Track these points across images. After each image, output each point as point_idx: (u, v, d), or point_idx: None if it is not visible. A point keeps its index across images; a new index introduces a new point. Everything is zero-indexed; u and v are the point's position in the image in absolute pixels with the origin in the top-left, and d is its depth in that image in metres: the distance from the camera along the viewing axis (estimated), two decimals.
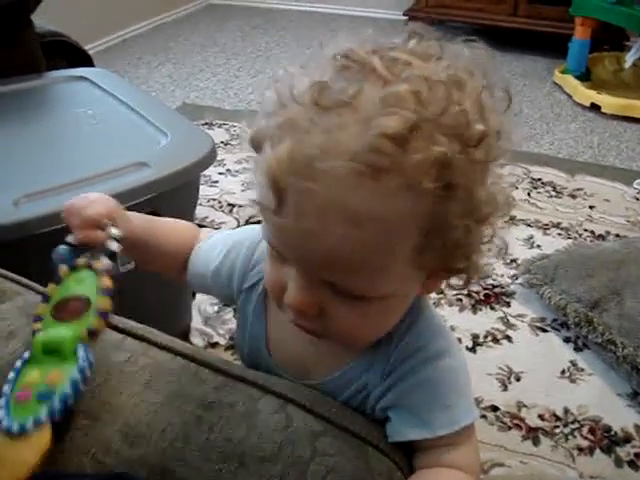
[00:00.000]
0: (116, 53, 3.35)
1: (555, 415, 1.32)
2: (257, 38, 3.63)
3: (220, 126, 2.53)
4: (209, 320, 1.47)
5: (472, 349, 1.49)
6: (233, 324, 1.48)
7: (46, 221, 1.03)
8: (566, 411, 1.33)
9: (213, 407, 0.56)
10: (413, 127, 0.44)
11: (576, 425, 1.30)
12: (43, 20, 1.63)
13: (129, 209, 1.08)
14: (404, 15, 3.49)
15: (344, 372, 0.61)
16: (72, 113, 1.38)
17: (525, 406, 1.34)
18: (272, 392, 0.58)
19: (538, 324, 1.58)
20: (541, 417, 1.32)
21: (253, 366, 0.68)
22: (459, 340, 1.51)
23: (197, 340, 1.42)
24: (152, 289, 1.24)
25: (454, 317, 1.58)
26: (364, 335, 0.57)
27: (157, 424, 0.54)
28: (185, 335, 1.41)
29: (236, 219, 1.92)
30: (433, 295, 1.64)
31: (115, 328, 0.64)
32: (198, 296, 1.50)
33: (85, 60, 1.72)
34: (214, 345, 1.44)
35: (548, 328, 1.56)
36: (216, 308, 1.49)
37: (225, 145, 2.37)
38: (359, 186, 0.45)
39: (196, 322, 1.46)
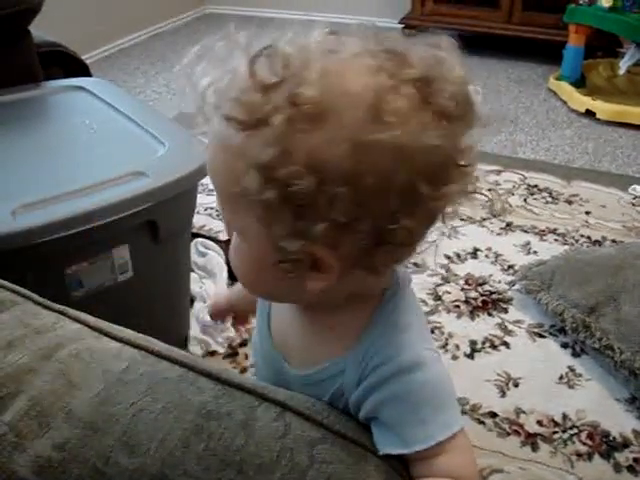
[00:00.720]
0: (113, 62, 3.36)
1: (554, 421, 1.32)
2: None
3: None
4: (207, 328, 1.47)
5: (470, 355, 1.49)
6: (231, 332, 1.48)
7: (44, 231, 1.04)
8: (565, 417, 1.33)
9: (212, 416, 0.56)
10: (249, 75, 0.49)
11: (575, 430, 1.30)
12: (40, 30, 1.63)
13: (127, 218, 1.10)
14: (399, 23, 3.51)
15: (321, 370, 0.62)
16: (70, 123, 1.39)
17: (523, 412, 1.34)
18: (270, 400, 0.58)
19: (536, 330, 1.58)
20: (540, 423, 1.32)
21: (258, 345, 0.72)
22: (457, 347, 1.51)
23: (195, 349, 1.42)
24: (150, 298, 1.24)
25: (452, 324, 1.59)
26: (237, 273, 0.60)
27: (156, 433, 0.54)
28: (183, 344, 1.41)
29: None
30: (430, 302, 1.65)
31: (113, 337, 0.65)
32: (196, 304, 1.51)
33: (82, 70, 1.73)
34: (212, 354, 1.44)
35: (546, 334, 1.57)
36: None
37: None
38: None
39: (194, 331, 1.45)
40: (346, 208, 0.47)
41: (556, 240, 1.93)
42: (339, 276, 0.53)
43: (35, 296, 0.71)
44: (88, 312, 0.70)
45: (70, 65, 1.71)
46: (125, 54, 3.51)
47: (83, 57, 1.77)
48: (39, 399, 0.57)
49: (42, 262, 1.07)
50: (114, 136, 1.31)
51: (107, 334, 0.65)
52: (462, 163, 0.52)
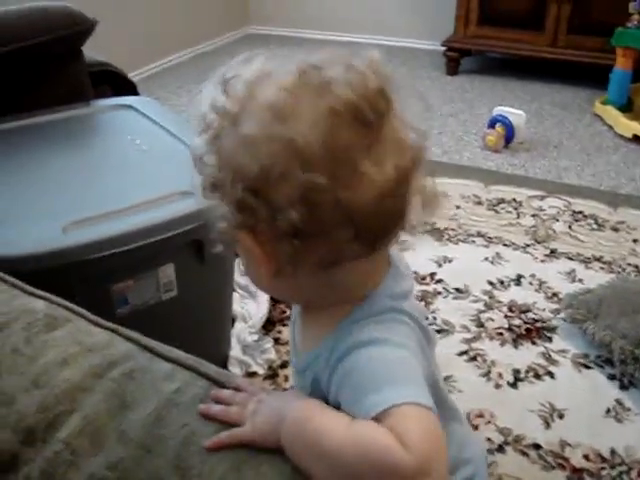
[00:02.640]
0: (157, 81, 3.42)
1: (601, 456, 1.28)
2: None
3: None
4: (248, 349, 1.46)
5: (513, 385, 1.46)
6: (272, 354, 1.48)
7: (93, 248, 1.05)
8: (612, 452, 1.29)
9: None
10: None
11: (624, 467, 1.25)
12: (88, 49, 1.66)
13: (174, 237, 1.10)
14: (442, 46, 3.50)
15: (304, 359, 0.66)
16: (118, 141, 1.41)
17: (569, 445, 1.30)
18: None
19: (581, 360, 1.54)
20: (586, 457, 1.28)
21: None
22: (500, 375, 1.48)
23: (235, 369, 1.41)
24: (193, 317, 1.25)
25: (495, 351, 1.56)
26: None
27: (208, 457, 0.54)
28: (224, 364, 1.41)
29: None
30: (473, 329, 1.62)
31: (165, 358, 0.65)
32: (237, 325, 1.51)
33: (130, 88, 1.76)
34: (252, 375, 1.43)
35: (592, 365, 1.52)
36: (255, 337, 1.49)
37: None
38: None
39: (235, 351, 1.45)
40: (243, 194, 0.55)
41: (602, 268, 1.88)
42: (275, 269, 0.58)
43: (87, 314, 0.72)
44: (132, 329, 0.70)
45: (119, 83, 1.75)
46: (169, 73, 3.58)
47: (128, 75, 1.79)
48: (93, 418, 0.57)
49: (90, 278, 1.08)
50: (162, 155, 1.32)
51: (158, 354, 0.65)
52: (346, 158, 0.54)
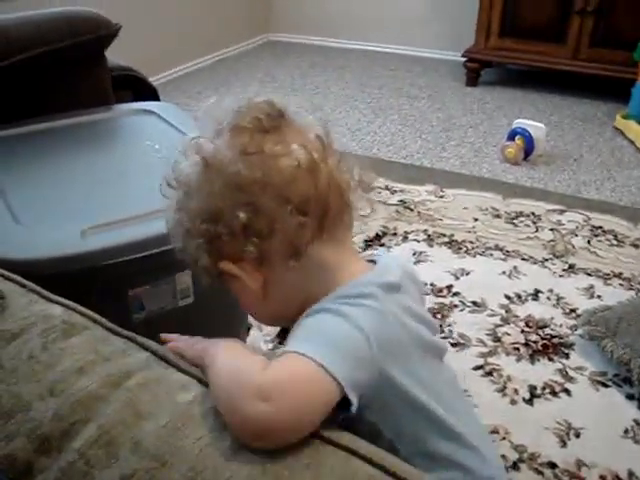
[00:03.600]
0: (177, 86, 3.44)
1: (618, 477, 1.26)
2: (315, 75, 3.68)
3: None
4: None
5: (529, 401, 1.44)
6: None
7: (111, 253, 1.05)
8: (630, 474, 1.26)
9: (278, 457, 0.55)
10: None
11: None
12: (110, 52, 1.67)
13: None
14: (462, 57, 3.49)
15: None
16: (139, 146, 1.41)
17: (585, 465, 1.28)
18: (336, 445, 0.57)
19: (599, 378, 1.52)
20: (603, 478, 1.25)
21: None
22: (515, 391, 1.46)
23: None
24: (208, 324, 1.24)
25: (511, 367, 1.54)
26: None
27: (223, 471, 0.53)
28: None
29: None
30: (490, 343, 1.60)
31: (180, 369, 0.64)
32: (252, 332, 1.50)
33: (151, 93, 1.77)
34: None
35: (609, 383, 1.50)
36: (270, 345, 1.48)
37: None
38: None
39: None
40: (206, 225, 0.68)
41: (621, 285, 1.86)
42: (260, 279, 0.69)
43: (105, 321, 0.71)
44: (147, 335, 0.70)
45: (139, 88, 1.75)
46: (189, 78, 3.60)
47: (149, 80, 1.80)
48: (108, 428, 0.56)
49: (107, 283, 1.08)
50: None
51: (174, 365, 0.65)
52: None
